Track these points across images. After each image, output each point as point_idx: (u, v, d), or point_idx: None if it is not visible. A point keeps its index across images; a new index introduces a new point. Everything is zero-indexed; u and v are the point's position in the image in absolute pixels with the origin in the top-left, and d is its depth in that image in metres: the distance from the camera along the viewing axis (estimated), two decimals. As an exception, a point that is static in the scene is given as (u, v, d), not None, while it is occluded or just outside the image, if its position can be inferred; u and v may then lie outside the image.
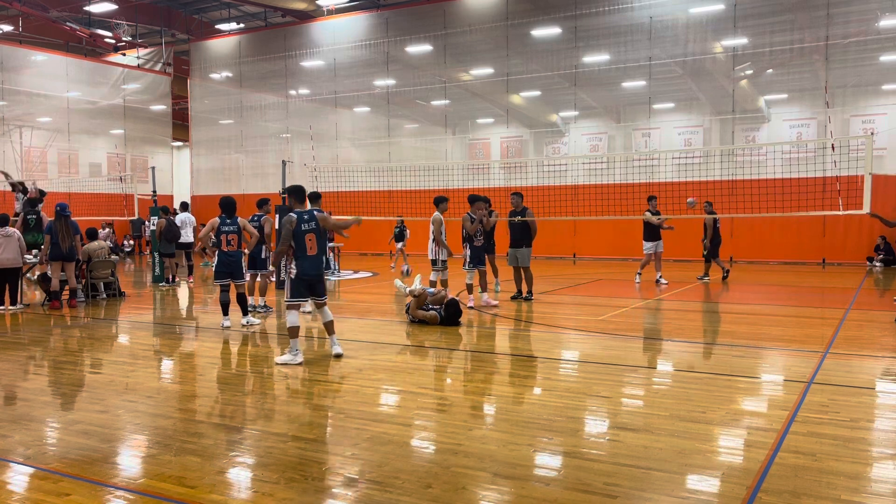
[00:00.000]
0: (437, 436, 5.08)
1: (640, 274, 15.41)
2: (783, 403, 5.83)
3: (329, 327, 7.88)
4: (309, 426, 5.37)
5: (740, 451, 4.74)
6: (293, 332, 7.58)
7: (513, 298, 12.51)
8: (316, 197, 8.57)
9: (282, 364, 7.44)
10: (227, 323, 9.93)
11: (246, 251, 10.36)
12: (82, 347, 8.88)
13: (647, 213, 14.84)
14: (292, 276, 7.62)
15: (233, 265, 9.90)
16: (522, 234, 12.36)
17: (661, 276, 15.10)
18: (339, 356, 7.71)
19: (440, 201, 11.66)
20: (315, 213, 7.86)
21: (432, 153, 26.44)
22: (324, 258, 7.88)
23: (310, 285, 7.70)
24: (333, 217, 7.59)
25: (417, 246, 24.89)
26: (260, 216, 11.17)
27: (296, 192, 8.02)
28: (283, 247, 7.62)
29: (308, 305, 11.34)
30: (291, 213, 7.71)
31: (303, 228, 7.62)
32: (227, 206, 9.96)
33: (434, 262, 11.54)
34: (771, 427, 5.15)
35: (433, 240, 11.48)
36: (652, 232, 14.92)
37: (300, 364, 7.41)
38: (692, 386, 6.52)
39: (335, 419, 5.51)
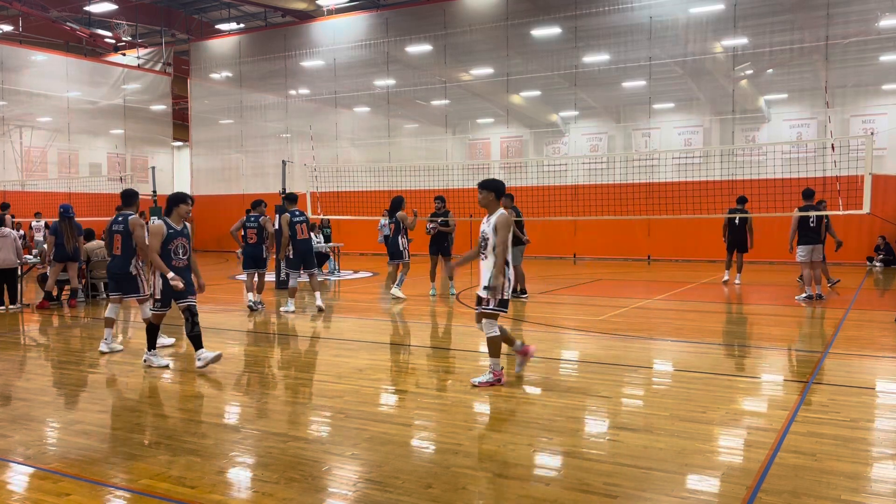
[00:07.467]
0: (437, 436, 5.08)
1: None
2: (783, 403, 5.83)
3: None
4: (309, 426, 5.37)
5: (740, 451, 4.73)
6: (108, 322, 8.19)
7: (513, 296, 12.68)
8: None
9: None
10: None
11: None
12: (82, 347, 8.87)
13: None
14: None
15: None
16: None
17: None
18: None
19: None
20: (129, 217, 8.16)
21: (432, 153, 26.43)
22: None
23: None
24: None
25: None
26: (257, 217, 11.26)
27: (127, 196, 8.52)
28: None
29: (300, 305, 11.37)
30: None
31: (113, 229, 8.24)
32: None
33: None
34: (771, 427, 5.15)
35: None
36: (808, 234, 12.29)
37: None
38: (692, 386, 6.52)
39: (335, 419, 5.50)
